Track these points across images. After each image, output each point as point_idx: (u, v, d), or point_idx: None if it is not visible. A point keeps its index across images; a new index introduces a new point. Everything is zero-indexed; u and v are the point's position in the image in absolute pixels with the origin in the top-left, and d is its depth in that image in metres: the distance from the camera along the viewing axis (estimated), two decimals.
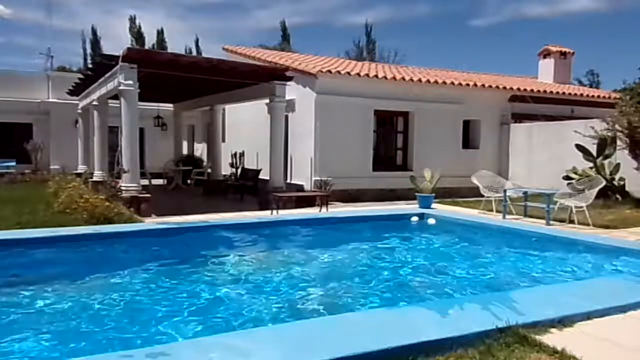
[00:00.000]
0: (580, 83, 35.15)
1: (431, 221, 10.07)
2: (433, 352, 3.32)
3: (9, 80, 19.84)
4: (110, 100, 13.53)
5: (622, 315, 4.25)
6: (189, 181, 17.55)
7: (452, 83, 15.09)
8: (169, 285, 5.66)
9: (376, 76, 14.03)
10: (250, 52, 18.01)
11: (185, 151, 21.07)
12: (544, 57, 21.67)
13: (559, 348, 3.43)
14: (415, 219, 10.19)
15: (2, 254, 6.54)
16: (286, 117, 13.27)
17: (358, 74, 13.83)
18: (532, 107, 16.05)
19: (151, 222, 8.92)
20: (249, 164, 15.87)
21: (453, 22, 54.98)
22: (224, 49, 19.06)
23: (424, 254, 7.87)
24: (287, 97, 12.65)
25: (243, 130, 17.57)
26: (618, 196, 11.78)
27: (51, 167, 18.40)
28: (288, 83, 12.50)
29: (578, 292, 4.84)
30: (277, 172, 12.41)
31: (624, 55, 49.83)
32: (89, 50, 40.31)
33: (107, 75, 12.01)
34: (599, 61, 54.38)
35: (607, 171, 12.13)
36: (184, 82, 13.10)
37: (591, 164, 12.40)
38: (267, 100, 12.43)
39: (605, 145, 12.22)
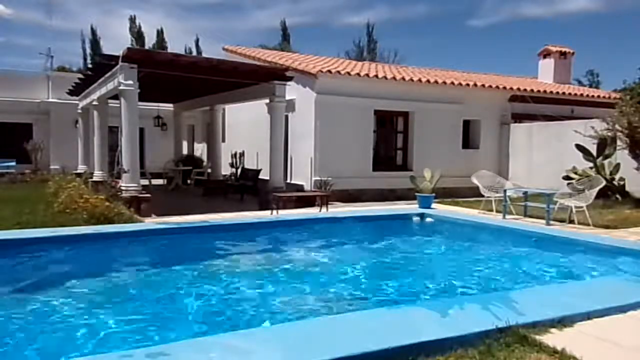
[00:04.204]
0: (580, 83, 35.13)
1: (428, 221, 10.09)
2: (433, 352, 3.32)
3: (9, 80, 19.83)
4: (110, 100, 13.53)
5: (622, 315, 4.25)
6: (189, 181, 17.54)
7: (452, 83, 15.09)
8: (167, 286, 5.66)
9: (376, 76, 14.03)
10: (250, 52, 18.01)
11: (185, 151, 21.07)
12: (544, 57, 21.67)
13: (559, 348, 3.43)
14: (416, 219, 10.20)
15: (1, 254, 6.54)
16: (286, 117, 13.27)
17: (358, 74, 13.83)
18: (532, 107, 16.05)
19: (151, 222, 8.92)
20: (249, 164, 15.87)
21: (452, 22, 55.04)
22: (224, 49, 19.06)
23: (422, 254, 7.87)
24: (287, 97, 12.64)
25: (243, 130, 17.57)
26: (618, 196, 11.78)
27: (51, 167, 18.39)
28: (288, 83, 12.50)
29: (578, 292, 4.84)
30: (277, 172, 12.40)
31: (624, 55, 49.93)
32: (89, 50, 40.28)
33: (107, 75, 12.01)
34: (599, 61, 54.51)
35: (607, 171, 12.13)
36: (184, 82, 13.10)
37: (591, 164, 12.39)
38: (267, 100, 12.43)
39: (605, 145, 12.22)
